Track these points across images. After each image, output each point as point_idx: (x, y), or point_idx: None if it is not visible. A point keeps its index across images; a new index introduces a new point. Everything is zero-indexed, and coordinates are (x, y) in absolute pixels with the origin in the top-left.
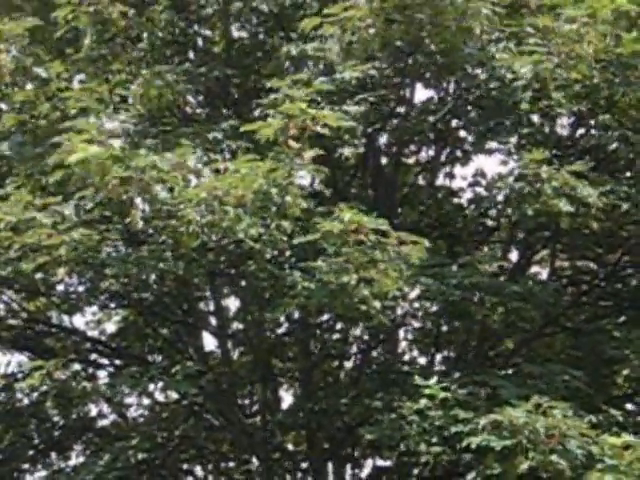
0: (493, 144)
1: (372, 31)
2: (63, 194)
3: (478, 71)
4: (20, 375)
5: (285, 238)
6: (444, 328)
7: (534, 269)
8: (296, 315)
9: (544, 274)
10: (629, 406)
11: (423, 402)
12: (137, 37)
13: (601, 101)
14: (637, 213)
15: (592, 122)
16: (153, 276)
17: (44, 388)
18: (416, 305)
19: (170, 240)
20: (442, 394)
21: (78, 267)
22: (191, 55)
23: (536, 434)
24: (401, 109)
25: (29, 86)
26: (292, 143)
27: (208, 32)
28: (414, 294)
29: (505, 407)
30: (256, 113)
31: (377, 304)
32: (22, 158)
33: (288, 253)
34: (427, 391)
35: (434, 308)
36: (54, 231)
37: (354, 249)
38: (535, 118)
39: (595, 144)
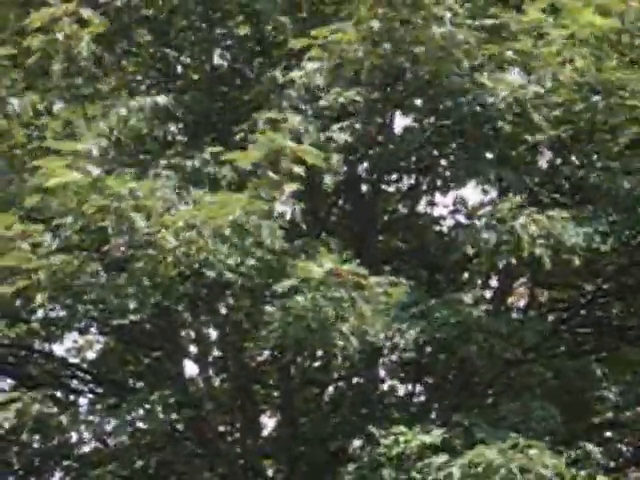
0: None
1: (360, 54)
2: (42, 220)
3: (462, 99)
4: None
5: (261, 268)
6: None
7: (513, 298)
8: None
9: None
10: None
11: (399, 449)
12: (117, 63)
13: (582, 125)
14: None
15: (572, 152)
16: (132, 303)
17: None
18: (397, 340)
19: (148, 267)
20: (417, 441)
21: (56, 292)
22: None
23: (511, 475)
24: (381, 137)
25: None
26: (271, 174)
27: (188, 60)
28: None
29: (480, 446)
30: (237, 137)
31: (355, 342)
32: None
33: (265, 287)
34: (402, 438)
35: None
36: (33, 256)
37: (334, 290)
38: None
39: (574, 175)
